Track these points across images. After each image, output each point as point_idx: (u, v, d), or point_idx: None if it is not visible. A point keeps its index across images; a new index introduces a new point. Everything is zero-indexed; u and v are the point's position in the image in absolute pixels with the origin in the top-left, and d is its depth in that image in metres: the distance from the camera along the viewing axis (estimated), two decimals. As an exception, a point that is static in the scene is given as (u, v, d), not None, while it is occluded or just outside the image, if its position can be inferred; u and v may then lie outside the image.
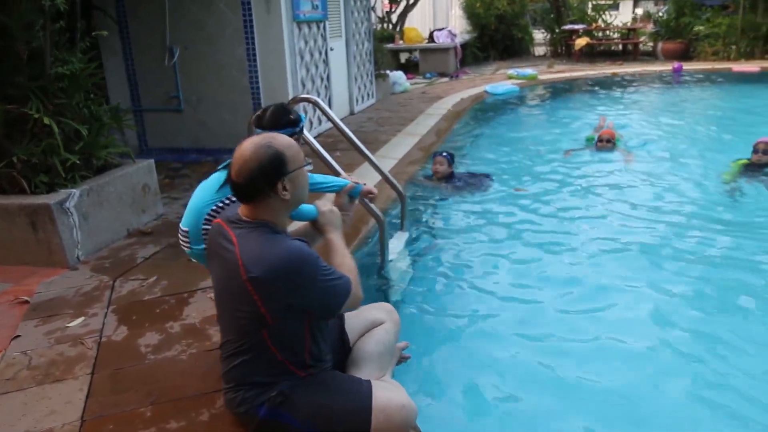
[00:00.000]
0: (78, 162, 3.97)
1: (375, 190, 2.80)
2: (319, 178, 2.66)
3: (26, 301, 3.43)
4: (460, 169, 6.08)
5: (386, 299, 3.74)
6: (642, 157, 6.63)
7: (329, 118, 4.56)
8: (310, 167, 2.13)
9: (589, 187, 5.67)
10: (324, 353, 2.17)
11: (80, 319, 3.17)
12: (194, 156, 6.84)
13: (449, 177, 5.68)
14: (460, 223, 4.92)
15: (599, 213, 5.02)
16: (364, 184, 2.66)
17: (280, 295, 1.94)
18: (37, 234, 3.81)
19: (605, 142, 6.79)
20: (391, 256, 4.17)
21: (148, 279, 3.60)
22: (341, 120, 8.34)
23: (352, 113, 8.95)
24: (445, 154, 5.73)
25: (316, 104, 4.63)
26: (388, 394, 2.12)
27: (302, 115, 2.66)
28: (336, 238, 2.26)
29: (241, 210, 2.05)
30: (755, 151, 5.63)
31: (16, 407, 2.48)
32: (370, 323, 2.52)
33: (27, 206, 3.77)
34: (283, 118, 2.59)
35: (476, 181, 5.73)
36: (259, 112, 2.63)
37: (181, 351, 2.81)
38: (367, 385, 2.14)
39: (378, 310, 2.60)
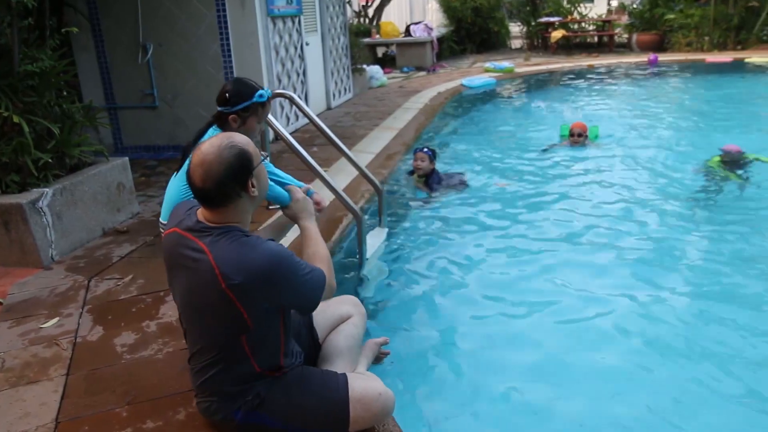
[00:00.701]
0: (50, 161, 3.92)
1: (325, 203, 2.83)
2: (273, 168, 2.75)
3: (-1, 303, 3.39)
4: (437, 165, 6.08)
5: (357, 295, 3.75)
6: (617, 151, 6.65)
7: (305, 114, 4.53)
8: (267, 159, 2.16)
9: (566, 183, 5.68)
10: (295, 350, 2.18)
11: (55, 320, 3.14)
12: (170, 153, 6.78)
13: (430, 174, 5.54)
14: (439, 221, 4.91)
15: (576, 209, 5.00)
16: (315, 193, 2.65)
17: (263, 298, 1.92)
18: (10, 234, 3.76)
19: (577, 137, 6.75)
20: (369, 252, 4.18)
21: (124, 278, 3.57)
22: (318, 115, 8.37)
23: (329, 108, 8.93)
24: (426, 150, 5.55)
25: (291, 99, 4.60)
26: (363, 383, 2.14)
27: (267, 89, 2.62)
28: (311, 226, 2.29)
29: (202, 215, 1.98)
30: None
31: (-10, 410, 2.46)
32: (338, 318, 2.53)
33: (-2, 206, 3.71)
34: (247, 88, 2.57)
35: (454, 181, 5.66)
36: (219, 94, 2.58)
37: (158, 350, 2.80)
38: (343, 377, 2.16)
39: (345, 304, 2.61)
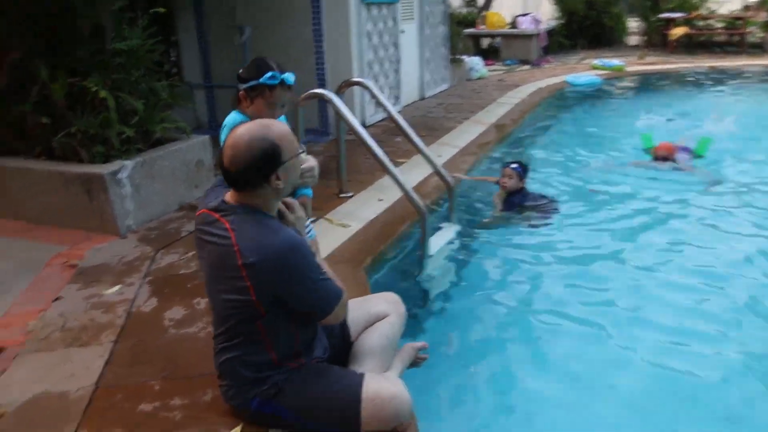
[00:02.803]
0: (133, 135, 4.11)
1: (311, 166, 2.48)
2: None
3: (75, 265, 3.59)
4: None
5: (417, 292, 3.67)
6: (727, 178, 5.50)
7: (380, 102, 4.46)
8: (303, 154, 2.09)
9: (662, 209, 4.85)
10: (321, 344, 2.15)
11: (117, 287, 3.29)
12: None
13: (515, 192, 4.79)
14: (510, 235, 4.54)
15: (666, 242, 4.27)
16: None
17: (272, 284, 1.92)
18: (92, 202, 3.98)
19: (662, 161, 5.68)
20: (433, 250, 4.07)
21: (187, 253, 3.69)
22: (410, 105, 8.35)
23: (422, 98, 8.82)
24: (515, 166, 4.78)
25: (366, 88, 4.56)
26: (378, 384, 2.08)
27: (285, 74, 2.40)
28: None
29: (229, 195, 2.01)
30: None
31: (42, 366, 2.61)
32: (373, 316, 2.46)
33: (83, 175, 3.94)
34: (260, 68, 2.38)
35: (545, 206, 4.83)
36: (240, 71, 2.44)
37: (202, 328, 2.85)
38: (360, 376, 2.11)
39: (383, 302, 2.53)
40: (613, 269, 3.93)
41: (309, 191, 2.50)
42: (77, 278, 3.44)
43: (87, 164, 4.00)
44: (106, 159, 4.05)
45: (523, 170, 4.79)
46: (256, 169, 1.89)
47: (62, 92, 3.91)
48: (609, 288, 3.68)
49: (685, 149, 5.88)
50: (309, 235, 2.44)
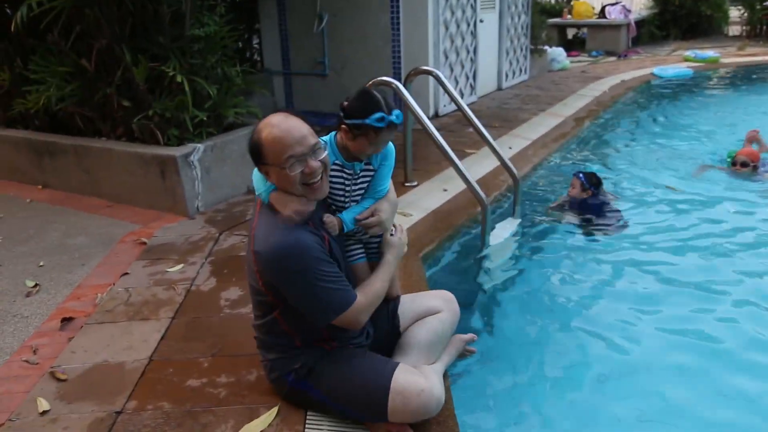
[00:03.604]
0: (206, 119, 4.25)
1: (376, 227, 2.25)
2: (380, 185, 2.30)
3: (145, 243, 3.77)
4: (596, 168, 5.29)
5: (475, 284, 3.61)
6: None
7: (447, 92, 4.40)
8: (289, 173, 1.91)
9: (735, 220, 4.43)
10: (349, 331, 2.15)
11: (180, 266, 3.43)
12: (333, 121, 7.00)
13: (580, 201, 4.59)
14: (577, 235, 4.33)
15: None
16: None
17: (272, 279, 1.98)
18: (165, 182, 4.16)
19: (740, 166, 5.27)
20: (495, 241, 4.00)
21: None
22: (486, 95, 8.20)
23: (499, 89, 8.64)
24: (581, 175, 4.59)
25: (436, 78, 4.50)
26: (409, 377, 2.05)
27: (393, 113, 2.09)
28: (389, 262, 2.22)
29: None
30: None
31: (105, 337, 2.76)
32: (425, 310, 2.44)
33: (158, 156, 4.12)
34: (369, 106, 2.08)
35: (610, 219, 4.50)
36: (344, 102, 2.16)
37: (254, 309, 2.93)
38: (392, 365, 2.10)
39: (436, 299, 2.51)
40: (674, 282, 3.61)
41: (347, 217, 2.20)
42: (145, 255, 3.61)
43: (162, 146, 4.18)
44: (180, 141, 4.21)
45: (588, 180, 4.56)
46: (250, 154, 1.99)
47: (143, 76, 4.09)
48: (667, 303, 3.40)
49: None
50: (356, 259, 2.32)
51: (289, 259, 1.91)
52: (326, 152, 2.00)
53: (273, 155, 1.91)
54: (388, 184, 2.30)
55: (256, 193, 2.10)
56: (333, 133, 2.21)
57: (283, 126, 1.92)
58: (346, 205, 2.21)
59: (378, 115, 2.05)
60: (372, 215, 2.20)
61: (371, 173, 2.24)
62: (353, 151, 2.14)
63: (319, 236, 2.01)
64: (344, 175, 2.19)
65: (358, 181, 2.22)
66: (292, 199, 1.98)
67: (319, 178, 1.97)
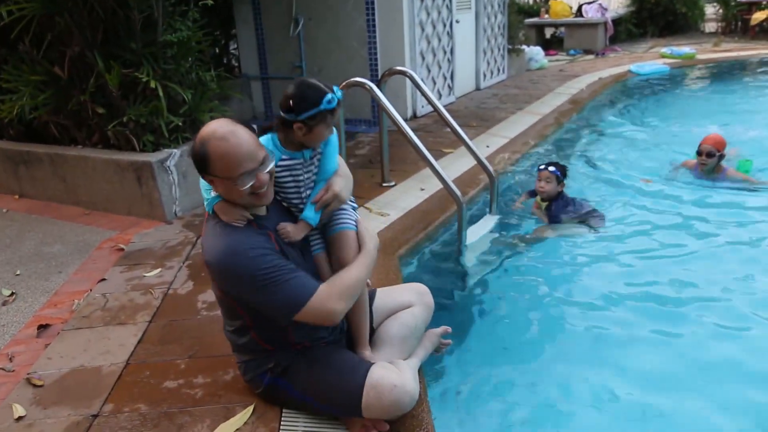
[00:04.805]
0: (181, 124, 4.25)
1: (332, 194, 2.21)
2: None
3: (122, 249, 3.77)
4: (571, 162, 5.28)
5: (453, 282, 3.64)
6: None
7: (421, 92, 4.44)
8: (239, 188, 1.90)
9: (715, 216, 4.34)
10: (319, 330, 2.16)
11: (157, 270, 3.43)
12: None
13: (554, 198, 4.33)
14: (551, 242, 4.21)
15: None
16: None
17: (224, 286, 2.00)
18: (142, 188, 4.16)
19: (705, 156, 4.88)
20: (471, 239, 4.03)
21: (227, 239, 3.79)
22: (465, 96, 8.25)
23: (478, 89, 8.71)
24: (552, 169, 4.29)
25: (411, 78, 4.54)
26: (383, 372, 2.07)
27: (335, 91, 2.09)
28: (368, 252, 2.19)
29: None
30: None
31: (81, 343, 2.76)
32: (398, 305, 2.46)
33: (134, 162, 4.12)
34: (314, 93, 2.05)
35: (587, 213, 4.33)
36: (282, 100, 2.10)
37: (231, 311, 2.94)
38: (367, 362, 2.12)
39: (409, 292, 2.53)
40: (655, 275, 3.64)
41: (308, 214, 2.18)
42: (123, 261, 3.60)
43: (138, 152, 4.18)
44: (156, 147, 4.22)
45: (561, 173, 4.30)
46: (193, 162, 1.95)
47: (116, 82, 4.09)
48: (651, 296, 3.41)
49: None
50: (315, 249, 2.28)
51: (232, 263, 1.90)
52: (273, 162, 1.97)
53: (222, 169, 1.87)
54: (336, 161, 2.26)
55: (204, 204, 2.08)
56: (270, 134, 2.16)
57: (233, 141, 1.86)
58: (303, 198, 2.16)
59: (327, 97, 2.06)
60: (326, 192, 2.16)
61: (319, 155, 2.20)
62: (312, 142, 2.10)
63: (264, 234, 1.99)
64: (294, 168, 2.14)
65: (310, 167, 2.18)
66: (236, 210, 1.97)
67: (266, 187, 1.95)
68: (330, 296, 1.99)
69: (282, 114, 2.09)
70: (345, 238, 2.21)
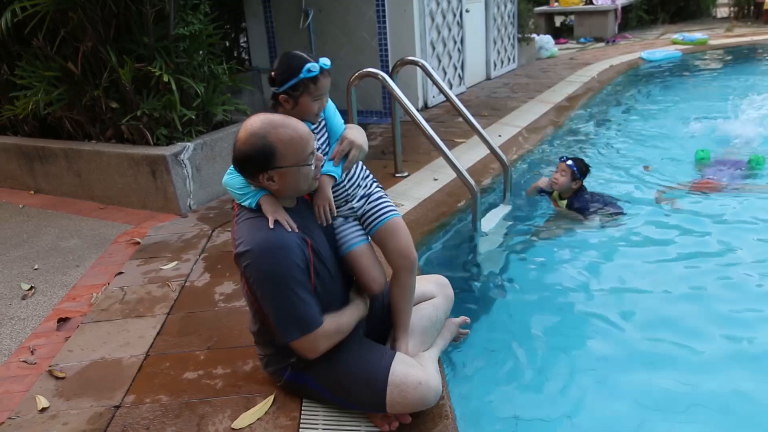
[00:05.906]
0: (194, 117, 4.26)
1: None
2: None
3: (138, 242, 3.79)
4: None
5: (467, 270, 3.64)
6: None
7: (433, 82, 4.43)
8: (310, 168, 1.96)
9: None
10: None
11: (174, 263, 3.45)
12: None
13: (573, 194, 4.25)
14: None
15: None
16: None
17: (251, 276, 1.93)
18: (156, 182, 4.17)
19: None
20: (485, 229, 4.03)
21: (242, 231, 3.81)
22: (476, 85, 8.22)
23: (488, 78, 8.66)
24: (570, 162, 4.17)
25: (423, 68, 4.53)
26: (406, 369, 2.06)
27: (321, 61, 2.07)
28: (357, 306, 2.20)
29: None
30: None
31: (101, 335, 2.78)
32: (419, 296, 2.44)
33: (148, 156, 4.13)
34: (294, 62, 2.06)
35: (607, 207, 4.23)
36: (269, 73, 2.14)
37: (248, 302, 2.95)
38: (389, 357, 2.10)
39: (430, 284, 2.53)
40: (678, 269, 3.58)
41: (328, 167, 2.17)
42: (139, 254, 3.63)
43: (152, 146, 4.20)
44: (170, 141, 4.23)
45: (578, 169, 4.18)
46: (245, 164, 1.91)
47: (129, 77, 4.10)
48: (672, 288, 3.35)
49: (737, 164, 4.88)
50: (357, 242, 2.26)
51: (268, 254, 1.88)
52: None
53: (293, 155, 1.88)
54: (341, 120, 2.27)
55: (240, 201, 2.04)
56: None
57: (293, 124, 1.89)
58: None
59: (307, 66, 2.03)
60: (342, 143, 2.17)
61: (323, 123, 2.22)
62: (302, 115, 2.08)
63: (303, 240, 1.97)
64: None
65: (317, 136, 2.19)
66: (281, 207, 1.98)
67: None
68: (327, 337, 2.00)
69: (272, 89, 2.12)
70: (395, 226, 2.24)
